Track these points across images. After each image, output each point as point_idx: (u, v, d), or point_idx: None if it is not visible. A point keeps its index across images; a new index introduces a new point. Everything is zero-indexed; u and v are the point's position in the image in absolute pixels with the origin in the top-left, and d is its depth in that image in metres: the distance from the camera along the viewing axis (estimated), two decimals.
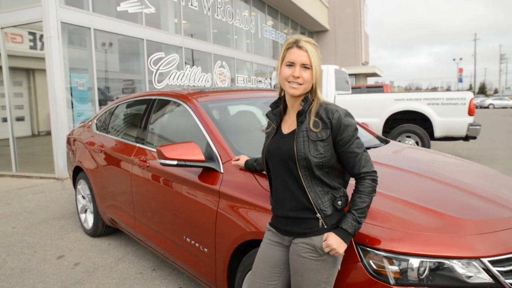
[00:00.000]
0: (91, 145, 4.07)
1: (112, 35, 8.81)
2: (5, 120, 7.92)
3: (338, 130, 1.65)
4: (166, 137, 3.21)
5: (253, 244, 2.18)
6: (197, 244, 2.54)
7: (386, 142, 3.35)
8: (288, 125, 1.78)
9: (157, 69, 9.98)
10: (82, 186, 4.35)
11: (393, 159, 2.72)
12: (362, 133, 3.44)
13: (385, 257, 1.67)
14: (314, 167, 1.64)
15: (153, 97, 3.42)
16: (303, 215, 1.70)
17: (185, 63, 11.13)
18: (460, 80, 58.44)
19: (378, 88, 16.40)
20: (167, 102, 3.25)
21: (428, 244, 1.69)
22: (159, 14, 10.61)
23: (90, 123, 4.51)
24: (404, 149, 3.14)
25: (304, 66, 1.67)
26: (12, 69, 7.95)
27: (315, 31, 25.56)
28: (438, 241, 1.70)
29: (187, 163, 2.41)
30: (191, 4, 11.64)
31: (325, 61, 23.24)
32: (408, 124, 8.13)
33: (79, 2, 7.91)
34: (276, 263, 1.80)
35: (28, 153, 8.21)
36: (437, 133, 7.79)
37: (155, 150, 3.06)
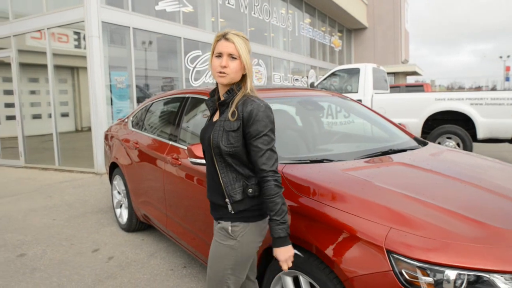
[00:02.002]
0: (126, 142, 4.16)
1: (150, 34, 8.98)
2: (50, 116, 8.26)
3: (247, 123, 1.71)
4: (198, 136, 3.22)
5: None
6: None
7: (424, 144, 3.20)
8: (218, 113, 1.88)
9: (194, 67, 10.09)
10: (117, 181, 4.45)
11: (431, 162, 2.59)
12: (398, 134, 3.32)
13: (419, 267, 1.59)
14: (225, 155, 1.74)
15: (186, 95, 3.44)
16: (218, 201, 1.80)
17: None
18: (507, 79, 55.55)
19: (418, 87, 15.91)
20: (200, 100, 3.26)
21: (467, 255, 1.59)
22: (197, 12, 10.72)
23: (126, 120, 4.61)
24: (443, 152, 3.00)
25: (232, 57, 1.75)
26: (58, 67, 8.27)
27: (354, 28, 25.09)
28: (478, 253, 1.60)
29: None
30: (228, 3, 11.69)
31: (363, 59, 22.80)
32: (449, 125, 7.82)
33: (119, 2, 8.11)
34: None
35: (71, 148, 8.51)
36: (480, 134, 7.44)
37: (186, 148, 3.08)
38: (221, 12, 11.31)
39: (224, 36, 1.77)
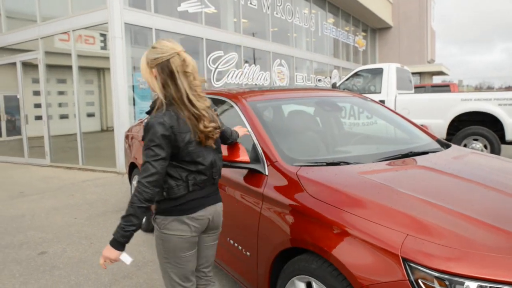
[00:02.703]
0: None
1: (173, 35, 9.05)
2: (75, 116, 8.43)
3: None
4: None
5: (297, 251, 2.10)
6: (240, 247, 2.50)
7: (447, 146, 3.08)
8: None
9: (216, 68, 10.12)
10: (136, 181, 4.47)
11: (453, 166, 2.48)
12: (419, 136, 3.22)
13: (437, 277, 1.50)
14: None
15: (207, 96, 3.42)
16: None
17: (244, 61, 11.19)
18: None
19: (444, 88, 15.52)
20: (217, 101, 3.23)
21: (490, 266, 1.49)
22: (219, 13, 10.75)
23: (146, 119, 4.63)
24: (467, 155, 2.88)
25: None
26: (85, 68, 8.45)
27: (378, 28, 24.69)
28: (502, 263, 1.50)
29: (232, 163, 2.37)
30: (251, 3, 11.68)
31: (387, 59, 22.40)
32: (476, 126, 7.56)
33: (141, 4, 8.21)
34: None
35: (94, 148, 8.67)
36: (509, 136, 7.16)
37: None
38: (243, 12, 11.31)
39: None
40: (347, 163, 2.37)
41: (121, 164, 7.66)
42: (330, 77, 16.91)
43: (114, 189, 6.39)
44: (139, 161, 4.24)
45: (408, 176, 2.26)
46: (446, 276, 1.49)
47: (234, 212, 2.53)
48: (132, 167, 4.61)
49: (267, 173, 2.33)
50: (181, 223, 1.93)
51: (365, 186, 2.02)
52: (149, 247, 3.91)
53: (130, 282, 3.21)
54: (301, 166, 2.27)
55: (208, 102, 2.05)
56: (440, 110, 7.77)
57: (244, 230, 2.43)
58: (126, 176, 7.42)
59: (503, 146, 7.44)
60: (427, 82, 23.65)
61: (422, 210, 1.79)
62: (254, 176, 2.42)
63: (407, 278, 1.56)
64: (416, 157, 2.60)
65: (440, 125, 7.66)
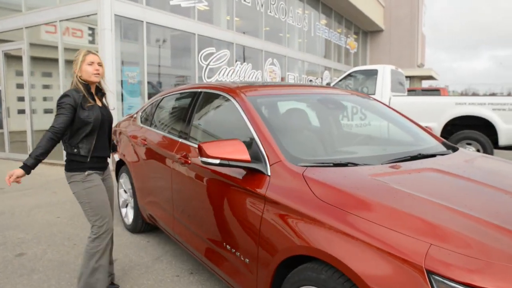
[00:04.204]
0: (134, 138, 3.95)
1: (164, 29, 8.81)
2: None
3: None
4: (211, 133, 3.00)
5: (302, 259, 1.91)
6: (237, 253, 2.30)
7: (453, 149, 2.92)
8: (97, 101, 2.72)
9: (207, 64, 9.90)
10: (124, 179, 4.25)
11: (467, 170, 2.33)
12: (424, 138, 3.06)
13: None
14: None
15: (199, 90, 3.22)
16: None
17: (236, 59, 10.99)
18: None
19: (434, 92, 15.55)
20: (213, 96, 3.04)
21: None
22: (212, 9, 10.52)
23: (135, 115, 4.41)
24: (477, 158, 2.73)
25: (99, 64, 2.67)
26: (71, 62, 8.10)
27: (370, 31, 24.69)
28: None
29: (231, 162, 2.17)
30: (244, 0, 11.48)
31: (378, 62, 22.36)
32: (469, 130, 7.50)
33: None
34: None
35: None
36: (503, 141, 7.10)
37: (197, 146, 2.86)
38: (236, 9, 11.10)
39: (90, 52, 2.68)
40: (355, 165, 2.20)
41: (109, 161, 7.38)
42: (322, 78, 16.80)
43: None
44: (127, 158, 4.02)
45: (423, 180, 2.09)
46: None
47: (232, 215, 2.33)
48: (119, 165, 4.37)
49: (269, 174, 2.14)
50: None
51: (378, 190, 1.85)
52: (136, 250, 3.69)
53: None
54: (307, 166, 2.09)
55: None
56: (434, 113, 7.68)
57: (242, 235, 2.24)
58: (113, 173, 7.19)
59: (495, 151, 7.38)
60: (417, 86, 23.72)
61: (443, 217, 1.62)
62: (254, 176, 2.22)
63: None
64: (426, 160, 2.44)
65: (434, 129, 7.56)
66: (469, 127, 7.50)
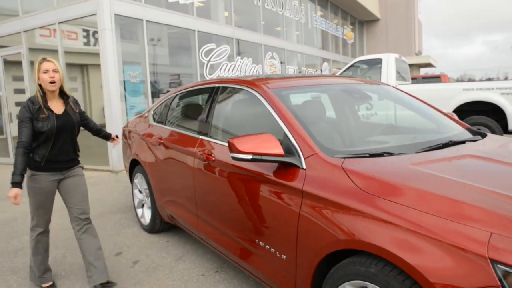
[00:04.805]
0: (149, 137, 3.88)
1: (164, 27, 8.70)
2: None
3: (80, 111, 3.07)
4: (233, 129, 2.92)
5: (345, 253, 1.86)
6: (272, 250, 2.24)
7: (482, 135, 2.85)
8: (57, 108, 2.78)
9: (208, 61, 9.80)
10: (139, 180, 4.18)
11: (507, 155, 2.25)
12: (449, 124, 3.00)
13: None
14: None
15: (216, 85, 3.14)
16: None
17: (236, 54, 10.89)
18: None
19: (435, 79, 15.49)
20: (233, 90, 2.97)
21: None
22: (209, 4, 10.41)
23: (146, 114, 4.33)
24: (509, 143, 2.67)
25: (54, 71, 2.67)
26: (68, 65, 8.01)
27: (366, 20, 24.58)
28: None
29: (264, 157, 2.11)
30: None
31: (375, 51, 22.28)
32: (478, 116, 7.44)
33: None
34: None
35: (83, 146, 8.24)
36: None
37: (220, 142, 2.79)
38: (234, 3, 10.99)
39: (45, 60, 2.68)
40: (390, 154, 2.14)
41: (115, 162, 7.32)
42: (321, 70, 16.72)
43: (109, 188, 6.06)
44: (142, 157, 3.94)
45: (466, 167, 2.03)
46: None
47: (264, 212, 2.27)
48: (133, 165, 4.30)
49: (304, 167, 2.08)
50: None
51: (425, 179, 1.79)
52: (156, 250, 3.62)
53: None
54: (344, 158, 2.03)
55: None
56: (441, 100, 7.61)
57: (277, 231, 2.18)
58: (121, 174, 7.12)
59: (505, 136, 7.34)
60: (415, 74, 23.65)
61: (498, 204, 1.56)
62: (287, 170, 2.16)
63: (500, 284, 1.33)
64: (460, 146, 2.38)
65: None
66: (477, 112, 7.45)
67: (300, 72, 14.81)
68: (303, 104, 2.78)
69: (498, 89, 7.16)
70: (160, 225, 3.93)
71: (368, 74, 8.77)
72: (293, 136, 2.20)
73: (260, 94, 2.59)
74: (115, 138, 3.54)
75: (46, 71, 2.65)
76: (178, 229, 4.08)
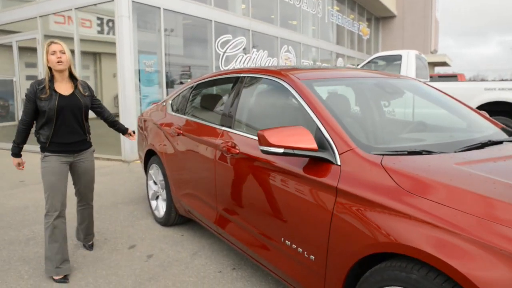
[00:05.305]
0: (167, 127, 3.76)
1: (181, 16, 8.57)
2: None
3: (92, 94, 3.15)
4: (259, 120, 2.78)
5: (379, 256, 1.72)
6: (300, 249, 2.11)
7: None
8: (64, 90, 2.89)
9: (224, 52, 9.66)
10: (154, 171, 4.07)
11: None
12: (483, 124, 2.83)
13: None
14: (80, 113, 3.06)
15: (241, 75, 3.01)
16: None
17: (252, 46, 10.73)
18: None
19: (452, 78, 15.18)
20: (258, 80, 2.83)
21: None
22: None
23: (164, 103, 4.21)
24: None
25: (61, 52, 2.79)
26: (81, 53, 7.93)
27: (382, 16, 24.21)
28: None
29: (296, 151, 1.98)
30: None
31: (391, 48, 21.91)
32: (498, 116, 7.22)
33: None
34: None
35: (95, 135, 8.16)
36: None
37: (245, 134, 2.66)
38: None
39: (52, 42, 2.81)
40: (429, 152, 1.99)
41: (127, 152, 7.24)
42: (336, 65, 16.48)
43: (122, 178, 5.98)
44: (159, 148, 3.83)
45: None
46: None
47: (292, 210, 2.14)
48: (148, 155, 4.19)
49: (339, 163, 1.94)
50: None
51: (473, 180, 1.64)
52: (171, 244, 3.52)
53: (157, 285, 2.82)
54: (383, 155, 1.89)
55: None
56: (462, 100, 7.38)
57: (306, 230, 2.05)
58: (134, 164, 7.04)
59: None
60: (430, 73, 23.28)
61: None
62: (319, 166, 2.03)
63: None
64: (501, 146, 2.23)
65: None
66: (498, 113, 7.23)
67: None
68: (333, 96, 2.64)
69: None
70: (175, 218, 3.82)
71: (387, 70, 8.57)
72: (326, 130, 2.07)
73: (289, 84, 2.46)
74: (132, 134, 3.50)
75: (54, 53, 2.77)
76: (193, 223, 3.98)
